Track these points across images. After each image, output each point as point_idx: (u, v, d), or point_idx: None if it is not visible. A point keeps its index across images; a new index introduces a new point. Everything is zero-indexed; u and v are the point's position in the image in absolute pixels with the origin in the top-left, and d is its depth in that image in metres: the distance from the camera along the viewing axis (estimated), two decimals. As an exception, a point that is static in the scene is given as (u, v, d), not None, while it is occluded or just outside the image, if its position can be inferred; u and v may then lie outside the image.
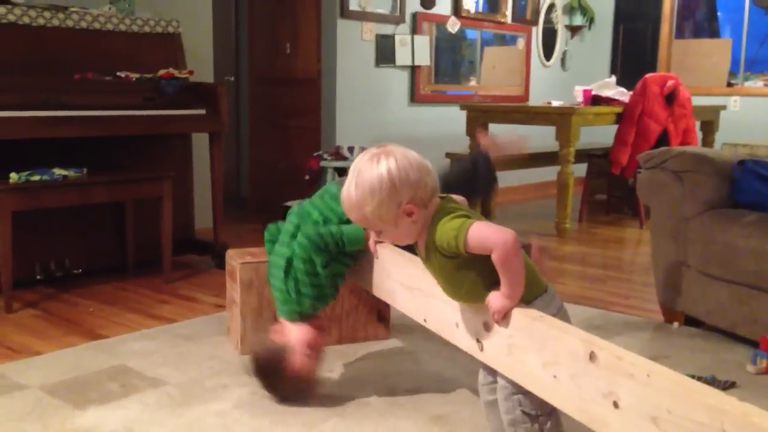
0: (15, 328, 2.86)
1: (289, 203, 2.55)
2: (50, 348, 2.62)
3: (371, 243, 2.04)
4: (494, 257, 1.45)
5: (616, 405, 1.27)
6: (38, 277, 3.39)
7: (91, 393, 2.21)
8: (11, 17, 3.37)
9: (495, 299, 1.51)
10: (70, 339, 2.73)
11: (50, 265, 3.43)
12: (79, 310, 3.10)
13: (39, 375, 2.34)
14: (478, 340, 1.64)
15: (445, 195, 1.62)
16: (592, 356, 1.32)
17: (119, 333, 2.79)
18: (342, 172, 4.64)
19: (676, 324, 2.93)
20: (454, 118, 5.58)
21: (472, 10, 6.19)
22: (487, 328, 1.59)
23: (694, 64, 6.99)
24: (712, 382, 2.27)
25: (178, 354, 2.57)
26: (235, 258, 2.60)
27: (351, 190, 1.54)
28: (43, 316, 3.02)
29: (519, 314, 1.52)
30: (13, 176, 3.03)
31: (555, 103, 5.42)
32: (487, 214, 5.30)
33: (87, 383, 2.29)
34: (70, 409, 2.09)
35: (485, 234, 1.46)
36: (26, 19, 3.41)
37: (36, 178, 3.08)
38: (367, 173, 1.53)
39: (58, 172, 3.16)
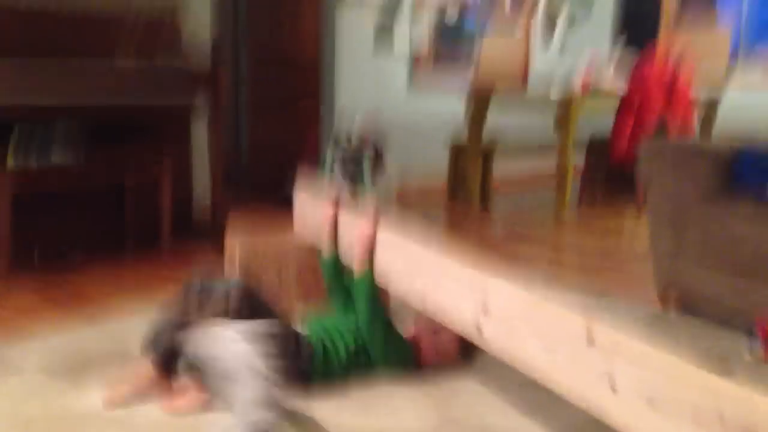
0: (14, 310, 2.86)
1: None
2: (50, 330, 2.62)
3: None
4: None
5: (613, 387, 1.28)
6: (37, 259, 3.39)
7: (92, 375, 2.22)
8: (8, 1, 3.35)
9: None
10: (69, 321, 2.74)
11: (49, 247, 3.43)
12: (78, 292, 3.11)
13: (39, 357, 2.34)
14: (477, 326, 1.65)
15: None
16: (590, 340, 1.33)
17: (119, 315, 2.80)
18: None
19: (673, 312, 2.94)
20: (453, 106, 5.56)
21: (472, -2, 6.17)
22: (486, 312, 1.61)
23: (693, 53, 6.96)
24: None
25: (177, 337, 2.57)
26: (233, 239, 2.61)
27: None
28: (42, 298, 3.03)
29: (518, 297, 1.53)
30: (12, 160, 3.02)
31: (554, 92, 5.41)
32: (486, 202, 5.31)
33: (87, 365, 2.30)
34: (70, 391, 2.11)
35: None
36: (24, 3, 3.40)
37: (34, 162, 3.07)
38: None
39: (57, 155, 3.16)
